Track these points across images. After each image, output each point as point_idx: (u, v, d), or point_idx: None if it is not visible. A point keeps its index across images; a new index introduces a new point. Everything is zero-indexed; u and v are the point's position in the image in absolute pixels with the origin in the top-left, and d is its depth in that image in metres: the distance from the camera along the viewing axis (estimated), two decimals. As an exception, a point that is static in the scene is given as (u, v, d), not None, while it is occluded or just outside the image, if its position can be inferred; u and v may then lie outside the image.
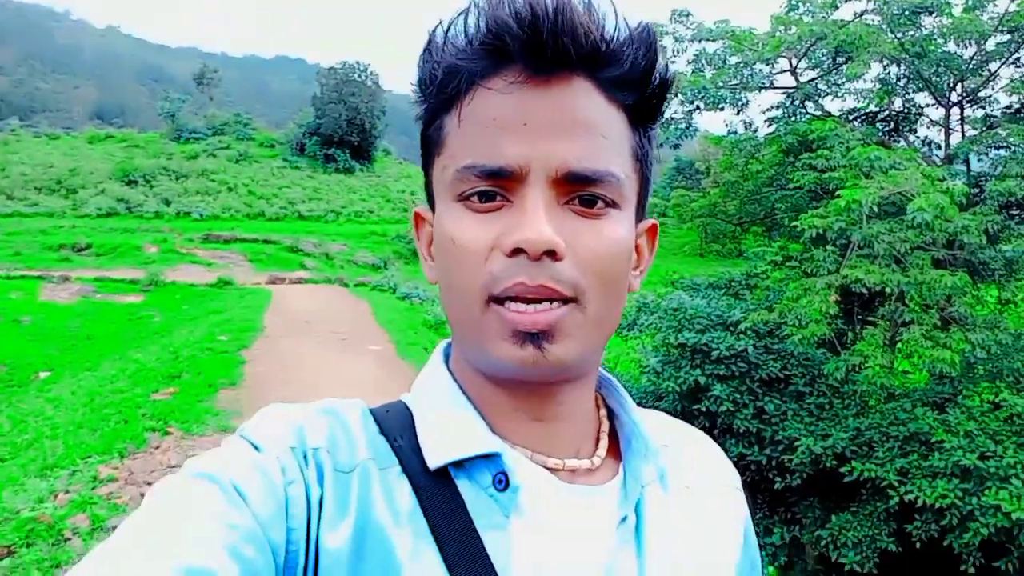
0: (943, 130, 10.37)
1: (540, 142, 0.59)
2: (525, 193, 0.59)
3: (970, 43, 9.44)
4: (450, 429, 0.65)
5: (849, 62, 9.65)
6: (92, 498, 4.80)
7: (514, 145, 0.59)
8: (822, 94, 10.91)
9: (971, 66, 9.71)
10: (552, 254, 0.58)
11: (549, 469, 0.66)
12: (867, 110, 11.09)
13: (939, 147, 10.74)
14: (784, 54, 10.46)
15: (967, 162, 10.18)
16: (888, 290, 7.53)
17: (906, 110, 10.95)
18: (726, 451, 0.83)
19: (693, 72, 10.76)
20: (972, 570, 6.54)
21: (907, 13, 9.59)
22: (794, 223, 8.69)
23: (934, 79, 10.01)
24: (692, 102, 10.43)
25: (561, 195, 0.60)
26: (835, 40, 9.50)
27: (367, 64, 45.35)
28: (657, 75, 0.63)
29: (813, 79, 10.82)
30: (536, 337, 0.59)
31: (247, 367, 9.33)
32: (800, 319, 7.57)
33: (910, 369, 8.51)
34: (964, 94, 10.15)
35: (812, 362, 8.42)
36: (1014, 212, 9.53)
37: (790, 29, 10.33)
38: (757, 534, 0.81)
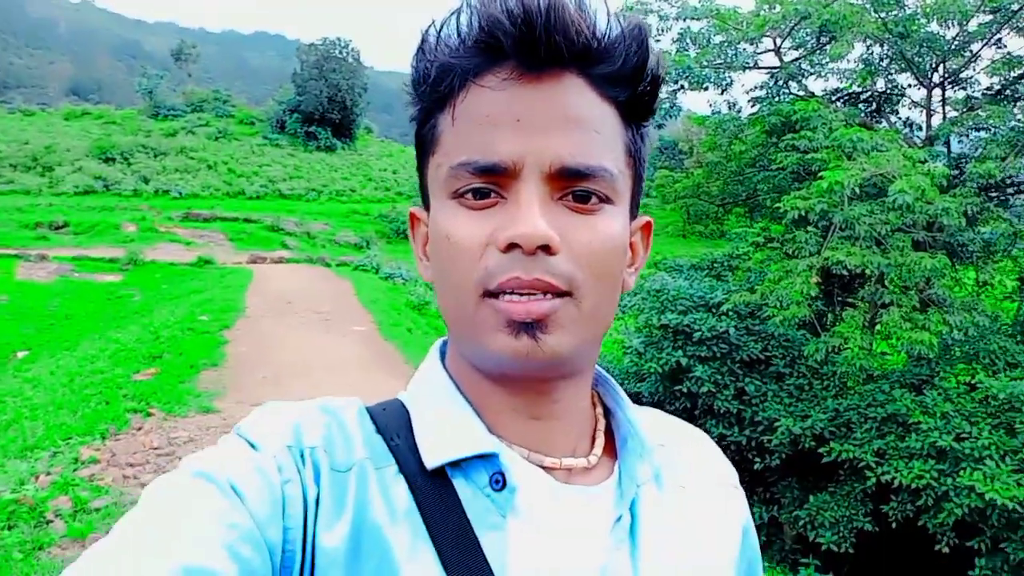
0: (924, 111, 10.41)
1: (533, 138, 0.59)
2: (519, 189, 0.60)
3: (953, 23, 9.45)
4: (447, 428, 0.66)
5: (833, 42, 9.64)
6: (74, 480, 4.77)
7: (507, 141, 0.59)
8: (806, 74, 10.91)
9: (953, 47, 9.73)
10: (547, 248, 0.58)
11: (545, 468, 0.66)
12: (850, 90, 11.11)
13: (920, 128, 10.79)
14: (768, 33, 10.43)
15: (948, 143, 10.24)
16: (868, 272, 7.57)
17: (888, 91, 10.98)
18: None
19: (678, 51, 10.71)
20: (946, 549, 6.64)
21: (890, -7, 9.58)
22: (776, 204, 8.71)
23: (916, 60, 10.03)
24: (676, 81, 10.39)
25: (555, 190, 0.60)
26: (819, 19, 9.47)
27: (348, 40, 44.95)
28: (649, 72, 0.63)
29: (797, 59, 10.81)
30: (531, 327, 0.59)
31: (229, 348, 9.29)
32: (781, 300, 7.61)
33: (888, 351, 8.60)
34: (946, 75, 10.19)
35: (792, 343, 8.48)
36: (993, 194, 9.60)
37: (774, 8, 10.29)
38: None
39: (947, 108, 10.30)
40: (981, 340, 7.54)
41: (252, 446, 0.61)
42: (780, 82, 10.86)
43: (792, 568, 7.33)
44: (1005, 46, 9.62)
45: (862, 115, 10.53)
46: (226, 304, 12.78)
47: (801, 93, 10.80)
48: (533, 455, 0.66)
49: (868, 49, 10.46)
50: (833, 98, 11.00)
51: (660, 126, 12.09)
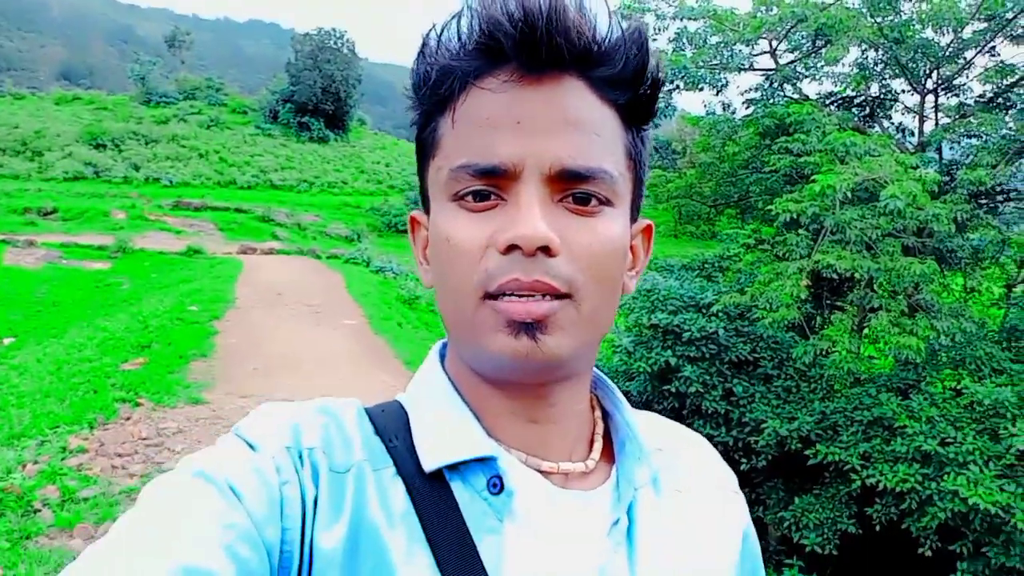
0: (917, 117, 10.45)
1: (533, 140, 0.60)
2: (519, 191, 0.60)
3: (947, 30, 9.48)
4: (445, 431, 0.66)
5: (828, 46, 9.66)
6: (62, 469, 4.77)
7: (507, 143, 0.60)
8: (800, 77, 10.92)
9: (947, 53, 9.77)
10: (547, 250, 0.59)
11: (543, 472, 0.67)
12: (844, 94, 11.13)
13: (912, 134, 10.83)
14: (764, 36, 10.44)
15: (939, 150, 10.28)
16: (858, 276, 7.61)
17: (882, 96, 11.01)
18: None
19: (674, 51, 10.71)
20: (929, 553, 6.69)
21: (887, -2, 9.61)
22: (768, 206, 8.73)
23: (911, 65, 10.06)
24: (672, 81, 10.38)
25: (555, 192, 0.60)
26: (815, 23, 9.49)
27: (344, 31, 44.77)
28: (649, 75, 0.63)
29: (792, 62, 10.83)
30: (530, 327, 0.59)
31: (219, 338, 9.27)
32: (771, 303, 7.63)
33: (876, 355, 8.64)
34: (939, 81, 10.22)
35: (781, 345, 8.51)
36: (982, 201, 9.66)
37: (771, 10, 10.30)
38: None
39: (940, 114, 10.34)
40: (968, 346, 7.58)
41: (251, 447, 0.61)
42: (775, 84, 10.87)
43: (776, 569, 7.37)
44: (998, 54, 9.66)
45: (855, 119, 10.57)
46: (216, 295, 12.75)
47: (795, 96, 10.82)
48: (531, 459, 0.66)
49: (863, 54, 10.49)
50: (827, 102, 11.02)
51: (656, 125, 12.07)
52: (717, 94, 11.07)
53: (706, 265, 10.87)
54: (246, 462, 0.59)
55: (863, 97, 11.16)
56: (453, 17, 0.62)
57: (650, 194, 14.90)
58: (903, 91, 10.79)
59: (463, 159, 0.61)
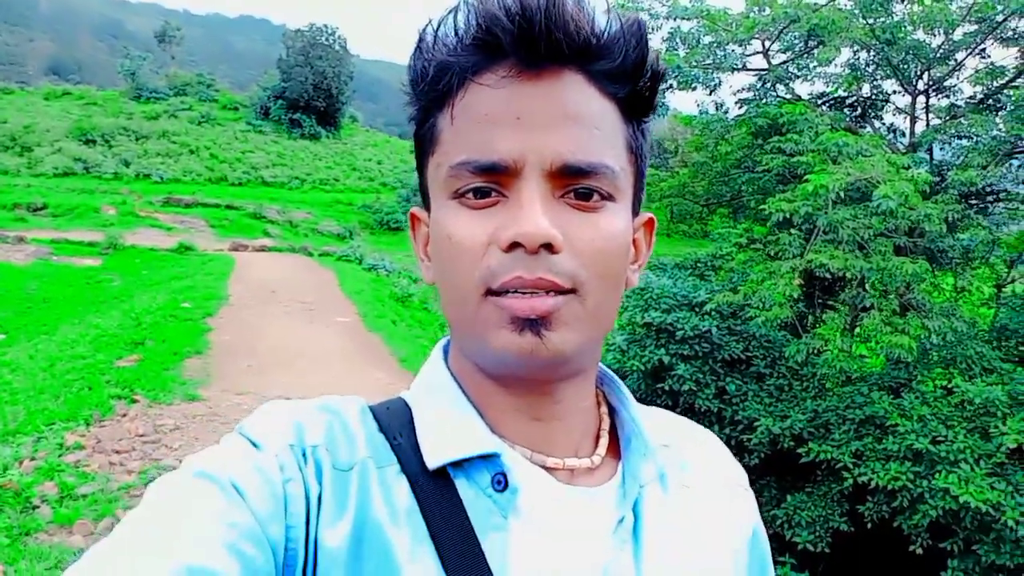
0: (908, 118, 10.52)
1: (534, 135, 0.59)
2: (520, 187, 0.59)
3: (938, 32, 9.55)
4: (449, 428, 0.65)
5: (821, 46, 9.71)
6: (60, 465, 4.75)
7: (507, 140, 0.59)
8: (793, 77, 10.97)
9: (938, 55, 9.83)
10: (549, 247, 0.58)
11: (548, 469, 0.66)
12: (836, 95, 11.19)
13: (903, 134, 10.89)
14: (757, 36, 10.47)
15: (930, 150, 10.34)
16: (850, 275, 7.66)
17: (873, 96, 11.07)
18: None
19: (667, 50, 10.73)
20: (920, 551, 6.74)
21: (879, -1, 9.67)
22: (761, 206, 8.77)
23: (902, 66, 10.13)
24: (665, 80, 10.40)
25: (556, 188, 0.60)
26: (808, 23, 9.54)
27: (335, 27, 44.59)
28: (649, 68, 0.63)
29: (784, 62, 10.87)
30: (535, 324, 0.59)
31: (213, 336, 9.25)
32: (764, 301, 7.67)
33: (867, 354, 8.69)
34: (930, 82, 10.29)
35: (773, 344, 8.56)
36: (973, 202, 9.74)
37: (764, 10, 10.34)
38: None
39: (930, 115, 10.41)
40: (958, 345, 7.63)
41: (254, 445, 0.61)
42: (767, 84, 10.92)
43: (768, 566, 7.42)
44: (989, 56, 9.74)
45: (847, 120, 10.63)
46: (209, 292, 12.71)
47: (788, 96, 10.87)
48: (535, 455, 0.66)
49: (855, 54, 10.54)
50: (819, 102, 11.07)
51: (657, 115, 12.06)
52: (710, 94, 11.10)
53: (699, 264, 10.91)
54: (249, 460, 0.59)
55: (855, 98, 11.22)
56: (450, 12, 0.62)
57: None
58: (894, 92, 10.86)
59: (463, 156, 0.60)
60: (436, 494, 0.62)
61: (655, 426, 0.74)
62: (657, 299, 8.86)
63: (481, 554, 0.60)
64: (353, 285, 15.68)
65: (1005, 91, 9.66)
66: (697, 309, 8.67)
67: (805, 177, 7.82)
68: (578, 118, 0.60)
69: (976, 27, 9.46)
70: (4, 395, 6.73)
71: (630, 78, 0.63)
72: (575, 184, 0.60)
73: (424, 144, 0.66)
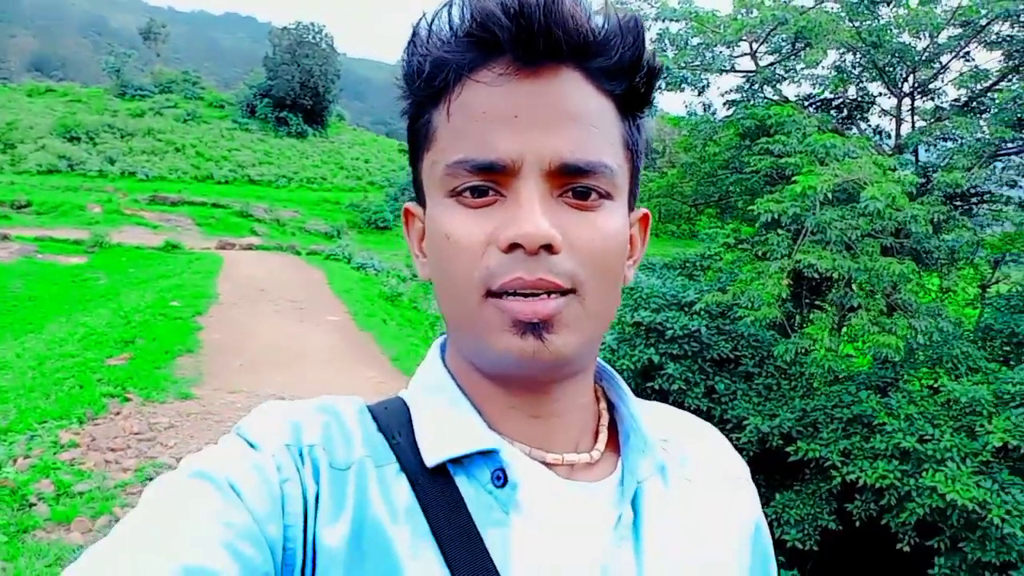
0: (894, 120, 10.63)
1: (532, 134, 0.59)
2: (519, 187, 0.59)
3: (924, 35, 9.67)
4: (447, 426, 0.65)
5: (808, 48, 9.80)
6: (55, 463, 4.74)
7: (505, 138, 0.59)
8: (780, 79, 11.05)
9: (923, 58, 9.95)
10: (549, 248, 0.58)
11: (548, 464, 0.66)
12: (822, 96, 11.29)
13: (889, 136, 11.01)
14: (745, 38, 10.55)
15: (916, 152, 10.46)
16: (837, 276, 7.73)
17: (859, 98, 11.18)
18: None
19: (656, 52, 10.78)
20: (907, 548, 6.80)
21: (866, 2, 9.76)
22: (749, 207, 8.84)
23: (888, 69, 10.23)
24: (661, 76, 10.45)
25: (555, 188, 0.60)
26: (795, 26, 9.62)
27: (322, 25, 44.43)
28: (645, 64, 0.63)
29: (772, 64, 10.95)
30: (536, 327, 0.59)
31: (204, 334, 9.23)
32: (752, 301, 7.73)
33: (855, 353, 8.78)
34: (916, 85, 10.41)
35: (762, 344, 8.62)
36: (958, 203, 9.85)
37: (752, 12, 10.42)
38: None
39: (916, 117, 10.53)
40: (944, 345, 7.72)
41: (251, 445, 0.61)
42: (755, 86, 11.00)
43: (757, 563, 7.47)
44: (973, 59, 9.87)
45: (834, 121, 10.73)
46: (197, 290, 12.66)
47: (775, 97, 10.95)
48: (535, 451, 0.66)
49: (841, 57, 10.64)
50: (806, 103, 11.17)
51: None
52: (698, 95, 11.17)
53: (688, 264, 10.96)
54: (246, 460, 0.59)
55: (841, 99, 11.32)
56: (444, 6, 0.61)
57: (632, 193, 14.97)
58: (880, 94, 10.97)
59: (460, 154, 0.60)
60: (436, 491, 0.62)
61: (654, 421, 0.74)
62: (646, 299, 8.91)
63: (484, 549, 0.60)
64: (342, 284, 15.66)
65: (989, 94, 9.79)
66: (686, 309, 8.72)
67: (793, 178, 7.88)
68: (577, 116, 0.60)
69: (960, 31, 9.58)
70: (-7, 393, 6.69)
71: (627, 74, 0.62)
72: (573, 183, 0.60)
73: (419, 139, 0.65)
